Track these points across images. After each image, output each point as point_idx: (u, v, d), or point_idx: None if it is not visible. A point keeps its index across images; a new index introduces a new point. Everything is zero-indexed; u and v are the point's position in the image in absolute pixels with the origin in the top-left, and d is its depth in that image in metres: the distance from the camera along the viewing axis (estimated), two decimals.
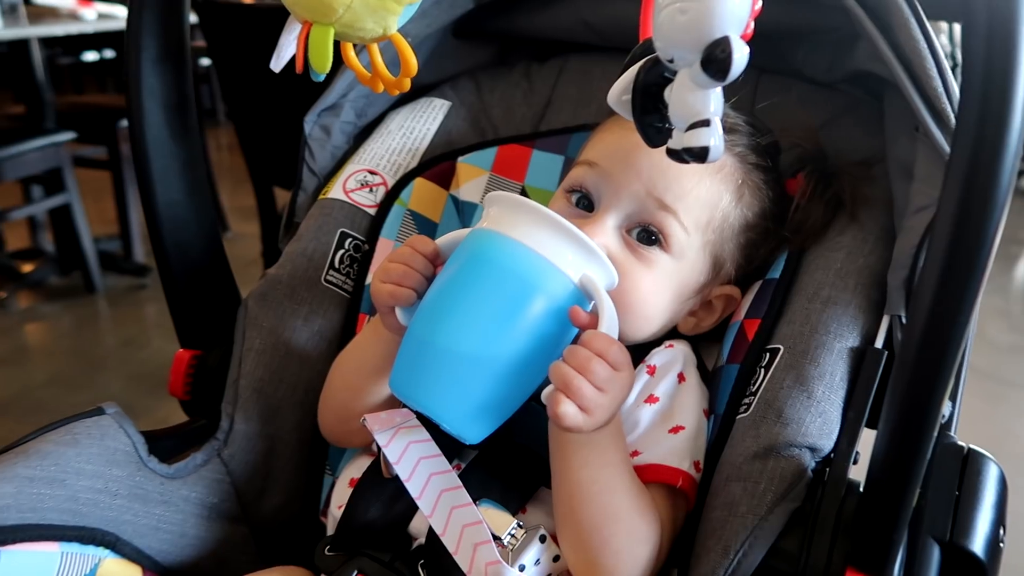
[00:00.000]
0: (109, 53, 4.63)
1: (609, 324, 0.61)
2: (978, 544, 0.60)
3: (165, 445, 0.75)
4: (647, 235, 0.71)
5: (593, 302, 0.63)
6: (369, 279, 0.86)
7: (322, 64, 0.56)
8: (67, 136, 2.58)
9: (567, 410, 0.57)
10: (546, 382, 0.60)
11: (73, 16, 2.77)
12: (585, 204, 0.73)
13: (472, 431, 0.61)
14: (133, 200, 2.87)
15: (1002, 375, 2.33)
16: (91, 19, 2.76)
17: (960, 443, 0.65)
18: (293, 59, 0.60)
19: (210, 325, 0.83)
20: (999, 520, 0.62)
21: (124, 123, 2.74)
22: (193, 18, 1.78)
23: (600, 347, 0.59)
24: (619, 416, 0.63)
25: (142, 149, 0.74)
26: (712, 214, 0.72)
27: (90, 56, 4.65)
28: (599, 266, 0.63)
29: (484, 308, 0.61)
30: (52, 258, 2.90)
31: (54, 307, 2.75)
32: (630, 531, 0.62)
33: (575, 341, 0.60)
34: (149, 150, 0.74)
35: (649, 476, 0.66)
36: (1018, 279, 3.16)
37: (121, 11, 2.91)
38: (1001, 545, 0.62)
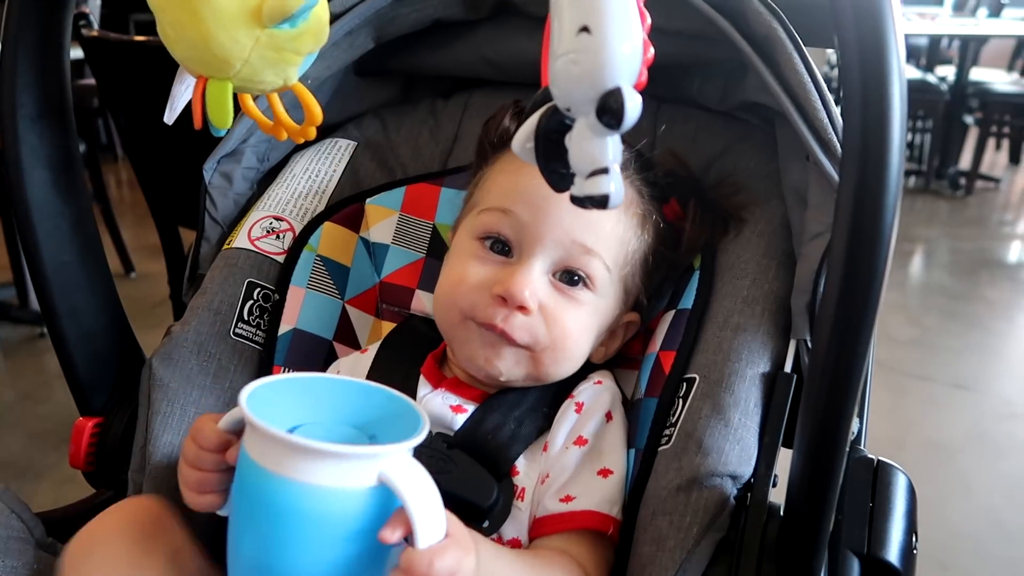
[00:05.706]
0: None
1: (425, 526, 0.51)
2: (894, 554, 0.62)
3: (66, 525, 0.70)
4: (569, 276, 0.72)
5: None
6: (282, 330, 0.83)
7: (222, 120, 0.54)
8: None
9: None
10: None
11: None
12: (500, 249, 0.73)
13: None
14: None
15: (903, 367, 2.46)
16: None
17: (870, 456, 0.67)
18: (188, 108, 0.57)
19: (111, 390, 0.78)
20: (911, 528, 0.65)
21: None
22: (80, 53, 1.70)
23: (422, 572, 0.50)
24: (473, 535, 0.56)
25: (25, 213, 0.69)
26: (626, 249, 0.74)
27: None
28: (397, 448, 0.53)
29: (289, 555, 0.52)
30: None
31: None
32: None
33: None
34: (33, 213, 0.69)
35: (584, 521, 0.66)
36: (913, 274, 3.35)
37: None
38: (915, 552, 0.65)
